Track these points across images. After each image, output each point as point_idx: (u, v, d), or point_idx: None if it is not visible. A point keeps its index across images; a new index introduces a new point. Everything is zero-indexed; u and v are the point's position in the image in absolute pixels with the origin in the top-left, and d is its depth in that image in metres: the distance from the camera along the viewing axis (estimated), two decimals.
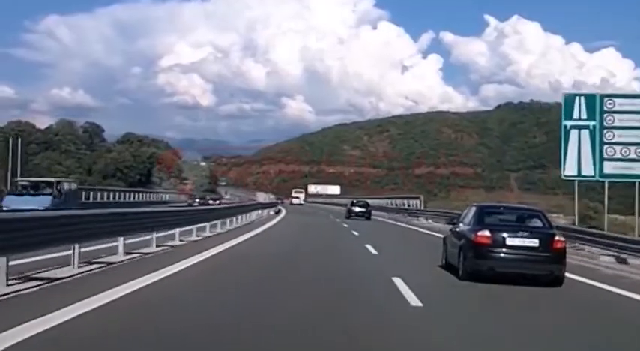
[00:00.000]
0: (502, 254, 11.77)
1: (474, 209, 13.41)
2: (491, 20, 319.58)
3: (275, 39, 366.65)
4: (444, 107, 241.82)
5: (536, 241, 11.82)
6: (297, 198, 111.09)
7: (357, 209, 45.47)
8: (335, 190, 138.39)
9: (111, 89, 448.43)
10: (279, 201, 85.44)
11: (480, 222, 12.49)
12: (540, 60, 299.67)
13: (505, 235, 11.87)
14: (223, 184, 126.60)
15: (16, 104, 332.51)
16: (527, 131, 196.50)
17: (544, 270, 11.87)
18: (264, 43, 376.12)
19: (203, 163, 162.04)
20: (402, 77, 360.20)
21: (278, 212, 52.32)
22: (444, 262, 14.39)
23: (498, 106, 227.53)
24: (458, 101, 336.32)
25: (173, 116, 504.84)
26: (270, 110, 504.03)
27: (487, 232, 11.91)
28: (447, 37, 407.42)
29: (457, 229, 13.58)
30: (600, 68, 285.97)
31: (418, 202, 56.42)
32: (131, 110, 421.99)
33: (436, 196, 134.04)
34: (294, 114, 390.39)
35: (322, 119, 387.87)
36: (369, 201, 53.96)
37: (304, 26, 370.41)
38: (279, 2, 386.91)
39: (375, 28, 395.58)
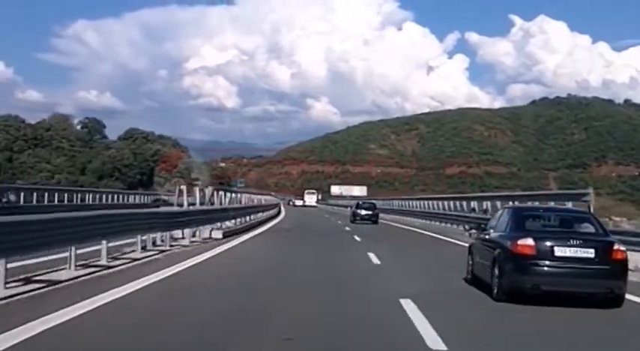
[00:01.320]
0: (549, 268, 9.82)
1: (509, 212, 11.57)
2: (517, 20, 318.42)
3: (300, 41, 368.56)
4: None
5: (592, 251, 9.88)
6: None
7: (363, 212, 43.32)
8: (361, 190, 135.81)
9: (137, 92, 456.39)
10: (289, 202, 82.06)
11: (519, 228, 10.56)
12: (567, 59, 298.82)
13: (552, 243, 9.92)
14: (241, 185, 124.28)
15: (43, 108, 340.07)
16: (564, 128, 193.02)
17: (601, 287, 9.93)
18: (289, 45, 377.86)
19: (222, 164, 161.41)
20: (428, 78, 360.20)
21: (246, 230, 26.86)
22: (469, 275, 12.44)
23: (533, 102, 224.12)
24: (484, 101, 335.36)
25: (198, 118, 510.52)
26: (295, 112, 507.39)
27: (530, 241, 9.95)
28: (473, 37, 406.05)
29: (487, 237, 11.64)
30: (629, 67, 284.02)
31: (589, 204, 22.92)
32: (157, 112, 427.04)
33: None
34: (320, 115, 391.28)
35: (347, 120, 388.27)
36: (399, 202, 51.78)
37: (329, 28, 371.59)
38: (304, 4, 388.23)
39: (400, 29, 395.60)
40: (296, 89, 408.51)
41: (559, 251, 9.83)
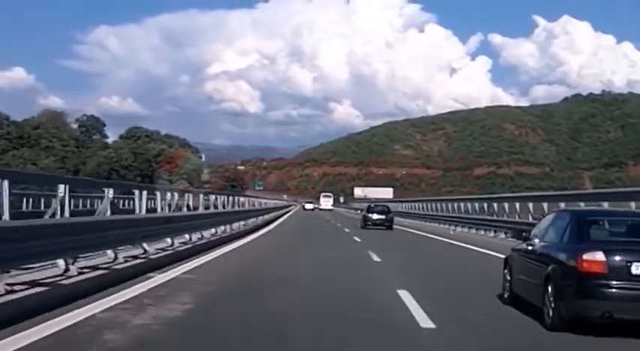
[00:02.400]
0: (625, 291, 7.60)
1: (566, 216, 9.23)
2: (541, 21, 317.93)
3: (321, 44, 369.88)
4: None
5: None
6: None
7: (375, 216, 39.43)
8: (386, 193, 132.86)
9: (159, 97, 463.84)
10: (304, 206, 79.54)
11: (582, 238, 8.32)
12: (591, 60, 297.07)
13: (628, 258, 7.70)
14: (259, 188, 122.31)
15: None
16: (599, 125, 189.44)
17: None
18: (311, 48, 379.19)
19: (241, 167, 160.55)
20: (451, 80, 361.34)
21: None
22: (507, 294, 10.17)
23: (565, 99, 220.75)
24: (508, 103, 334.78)
25: (222, 123, 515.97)
26: (317, 116, 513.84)
27: (600, 255, 7.72)
28: (496, 38, 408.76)
29: (533, 248, 9.41)
30: None
31: None
32: (180, 118, 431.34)
33: None
34: (342, 119, 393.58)
35: (370, 123, 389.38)
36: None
37: (350, 31, 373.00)
38: (325, 7, 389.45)
39: (422, 31, 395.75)
40: (318, 93, 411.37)
41: (637, 269, 7.64)
